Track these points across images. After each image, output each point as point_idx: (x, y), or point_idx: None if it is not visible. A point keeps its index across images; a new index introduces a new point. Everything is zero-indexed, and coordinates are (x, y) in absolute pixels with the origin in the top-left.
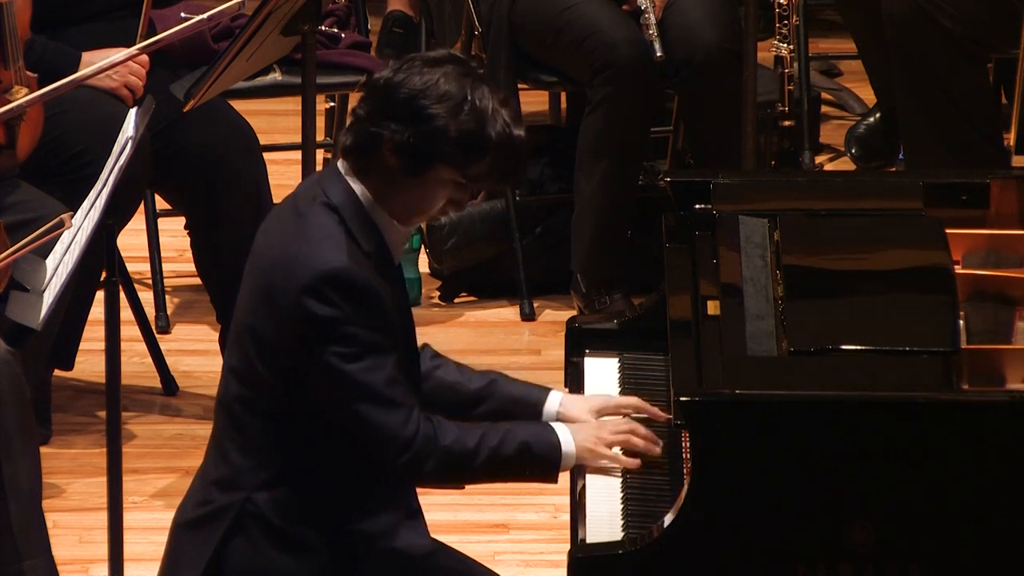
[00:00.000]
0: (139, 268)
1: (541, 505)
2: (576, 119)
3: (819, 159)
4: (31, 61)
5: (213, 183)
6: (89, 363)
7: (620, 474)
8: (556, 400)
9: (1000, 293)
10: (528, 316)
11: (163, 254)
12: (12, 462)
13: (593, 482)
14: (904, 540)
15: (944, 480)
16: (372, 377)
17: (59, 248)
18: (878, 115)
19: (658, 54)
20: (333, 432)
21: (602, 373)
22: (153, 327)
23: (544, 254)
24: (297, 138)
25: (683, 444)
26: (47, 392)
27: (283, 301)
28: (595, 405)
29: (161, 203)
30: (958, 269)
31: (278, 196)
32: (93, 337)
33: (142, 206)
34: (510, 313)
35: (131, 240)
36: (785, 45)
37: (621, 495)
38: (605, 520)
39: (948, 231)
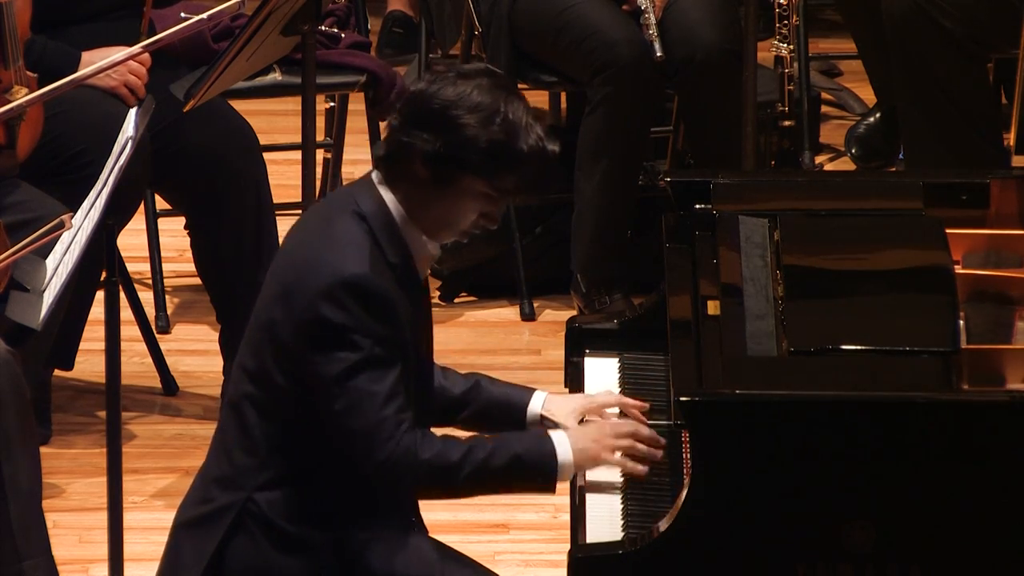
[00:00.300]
0: (139, 268)
1: (541, 505)
2: (576, 119)
3: (819, 159)
4: (31, 61)
5: (213, 183)
6: (89, 363)
7: (620, 474)
8: (540, 401)
9: (1000, 293)
10: (528, 316)
11: (163, 254)
12: (12, 462)
13: (593, 482)
14: (904, 540)
15: (944, 480)
16: (366, 388)
17: (59, 248)
18: (878, 115)
19: (658, 54)
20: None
21: (602, 373)
22: (153, 327)
23: (544, 254)
24: (297, 138)
25: (683, 444)
26: (47, 392)
27: (300, 302)
28: (578, 405)
29: (161, 203)
30: (958, 269)
31: (278, 196)
32: (93, 337)
33: (142, 206)
34: (510, 313)
35: (131, 240)
36: (785, 45)
37: (621, 495)
38: (605, 520)
39: (948, 231)
